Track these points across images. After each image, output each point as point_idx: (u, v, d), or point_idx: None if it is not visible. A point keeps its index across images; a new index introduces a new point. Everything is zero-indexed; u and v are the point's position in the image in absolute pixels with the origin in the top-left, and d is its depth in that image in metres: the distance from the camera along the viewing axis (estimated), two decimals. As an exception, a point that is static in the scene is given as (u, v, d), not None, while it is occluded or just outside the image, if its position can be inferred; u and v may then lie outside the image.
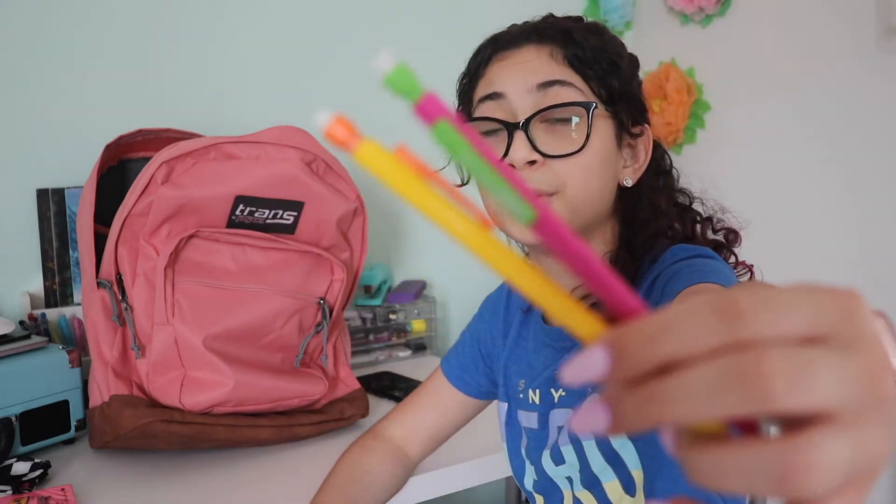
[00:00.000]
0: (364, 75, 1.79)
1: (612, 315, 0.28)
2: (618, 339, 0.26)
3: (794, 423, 0.24)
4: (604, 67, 0.75)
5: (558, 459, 0.81)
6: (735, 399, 0.24)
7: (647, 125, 0.80)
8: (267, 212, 1.18)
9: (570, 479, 0.80)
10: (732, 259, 0.83)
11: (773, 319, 0.24)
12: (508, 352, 0.93)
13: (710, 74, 1.86)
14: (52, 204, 1.40)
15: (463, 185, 0.84)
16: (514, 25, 0.80)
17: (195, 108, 1.55)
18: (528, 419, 0.87)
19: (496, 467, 1.20)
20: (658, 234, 0.79)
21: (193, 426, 1.13)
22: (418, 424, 0.99)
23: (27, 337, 1.19)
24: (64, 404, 1.18)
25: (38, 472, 1.07)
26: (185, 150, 1.13)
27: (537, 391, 0.85)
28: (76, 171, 1.39)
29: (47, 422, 1.16)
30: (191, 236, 1.14)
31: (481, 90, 0.78)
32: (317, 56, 1.68)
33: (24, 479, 1.05)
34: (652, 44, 2.02)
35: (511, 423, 0.91)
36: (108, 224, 1.16)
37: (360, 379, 1.40)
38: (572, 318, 0.28)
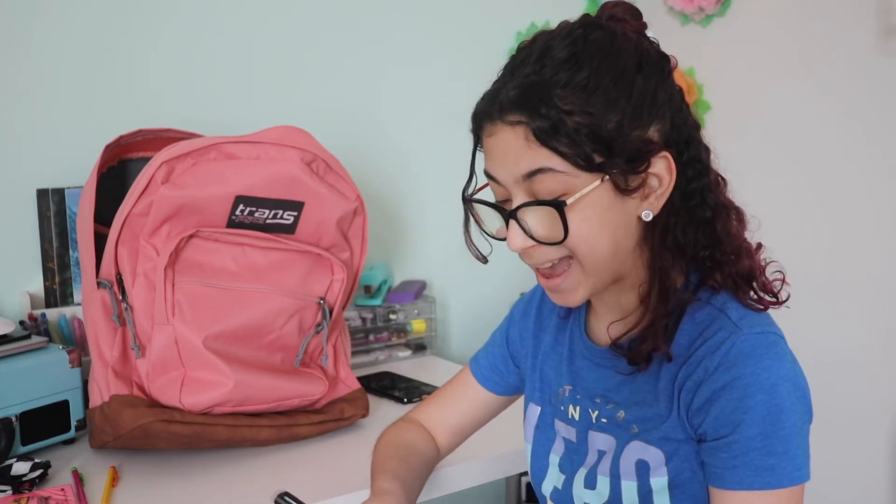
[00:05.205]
0: (364, 75, 1.79)
1: None
2: None
3: None
4: (580, 137, 0.69)
5: (590, 484, 0.81)
6: None
7: (660, 155, 0.73)
8: (267, 212, 1.18)
9: None
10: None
11: None
12: (544, 355, 0.93)
13: (710, 74, 1.85)
14: (52, 204, 1.40)
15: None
16: (488, 92, 0.75)
17: (195, 108, 1.55)
18: (568, 431, 0.86)
19: (496, 467, 1.20)
20: (686, 271, 0.78)
21: (193, 426, 1.13)
22: (444, 418, 1.02)
23: (27, 337, 1.19)
24: (64, 404, 1.18)
25: (38, 472, 1.07)
26: (185, 150, 1.13)
27: (577, 408, 0.85)
28: (76, 171, 1.39)
29: (47, 422, 1.16)
30: (191, 236, 1.14)
31: (484, 160, 0.77)
32: (317, 56, 1.68)
33: (24, 479, 1.05)
34: (652, 44, 2.01)
35: (543, 427, 0.90)
36: (108, 224, 1.16)
37: (360, 379, 1.40)
38: None
